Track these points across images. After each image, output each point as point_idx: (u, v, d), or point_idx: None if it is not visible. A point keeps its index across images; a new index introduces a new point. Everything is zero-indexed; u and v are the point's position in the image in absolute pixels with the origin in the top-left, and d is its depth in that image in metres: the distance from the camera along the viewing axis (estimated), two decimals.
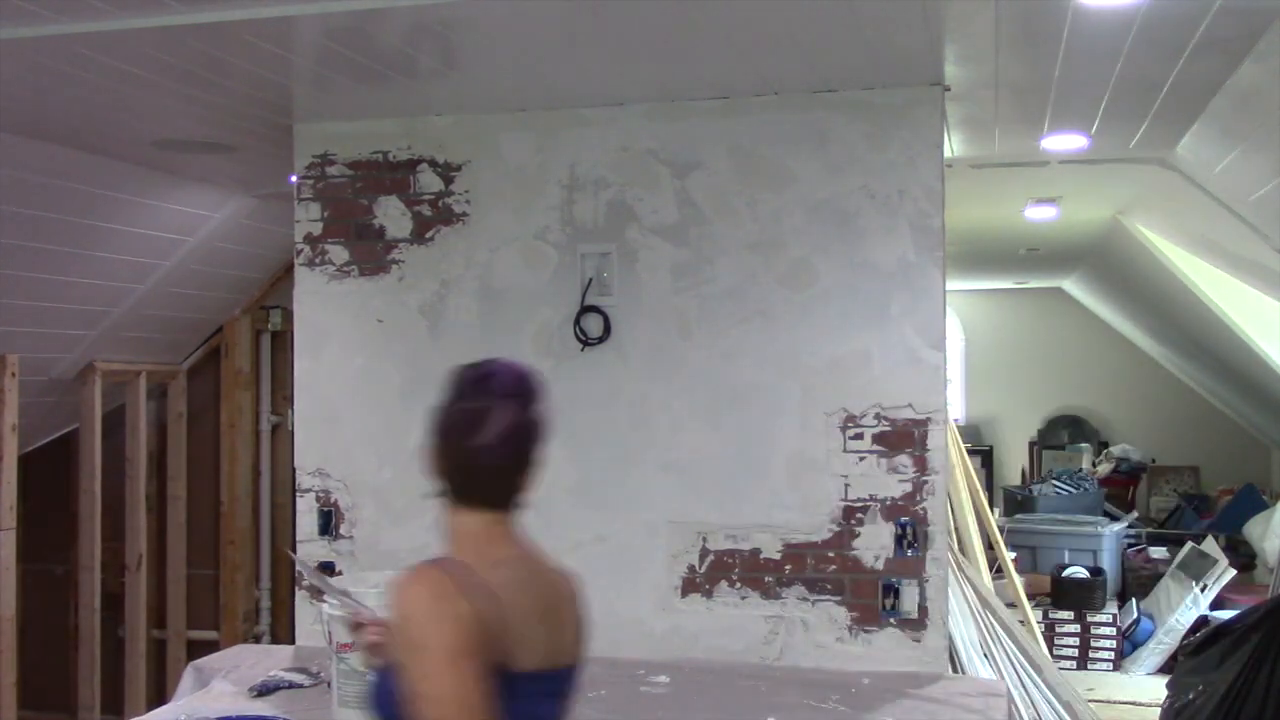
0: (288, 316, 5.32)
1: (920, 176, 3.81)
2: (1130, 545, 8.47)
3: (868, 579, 3.83)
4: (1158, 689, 6.68)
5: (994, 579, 5.57)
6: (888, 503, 3.82)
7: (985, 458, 11.40)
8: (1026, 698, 4.46)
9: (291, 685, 3.69)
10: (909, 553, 3.80)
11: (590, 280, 4.06)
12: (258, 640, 6.12)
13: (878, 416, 3.83)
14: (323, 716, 3.37)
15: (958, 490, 5.22)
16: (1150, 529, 9.21)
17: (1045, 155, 4.95)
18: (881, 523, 3.82)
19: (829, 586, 3.86)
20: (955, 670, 4.06)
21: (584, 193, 4.08)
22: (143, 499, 6.21)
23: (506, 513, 2.15)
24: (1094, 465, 10.52)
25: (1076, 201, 6.22)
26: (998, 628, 4.66)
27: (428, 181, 4.22)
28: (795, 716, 3.30)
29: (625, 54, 3.51)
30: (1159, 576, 7.69)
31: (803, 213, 3.91)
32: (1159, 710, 5.86)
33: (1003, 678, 4.30)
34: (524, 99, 4.02)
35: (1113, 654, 7.20)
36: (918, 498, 3.80)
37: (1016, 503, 8.78)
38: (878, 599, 3.82)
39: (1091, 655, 7.24)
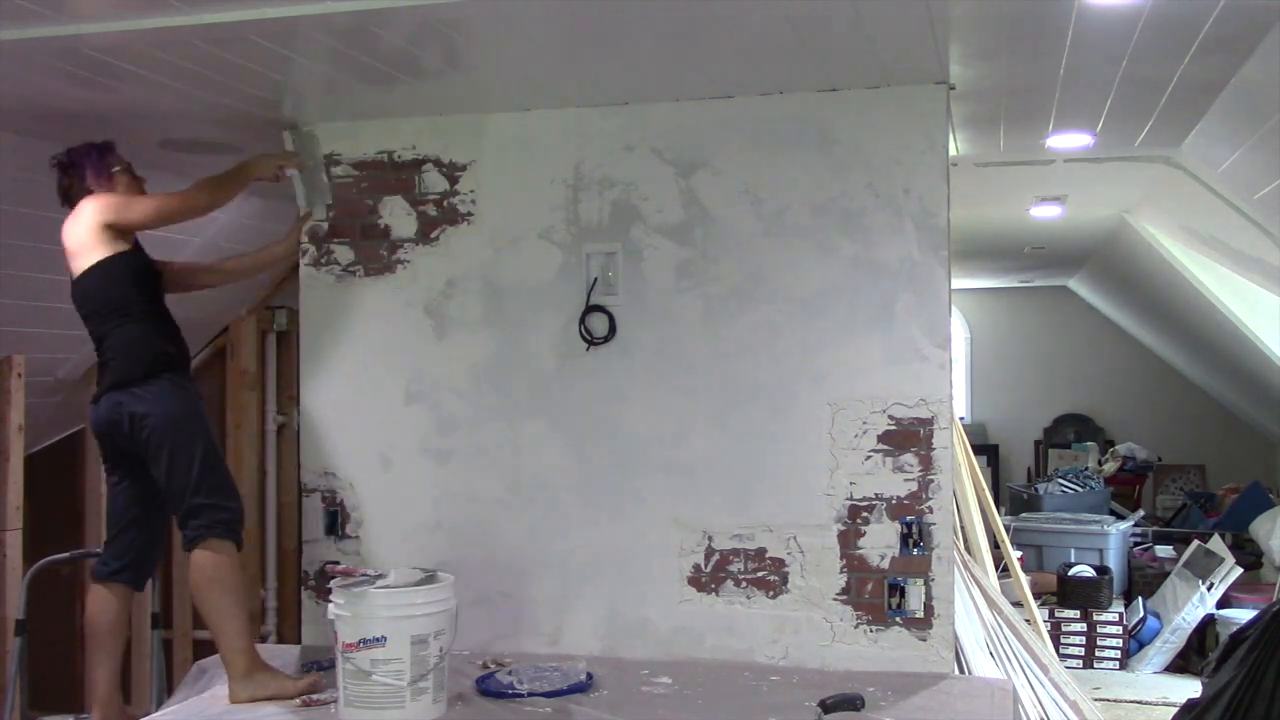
0: (293, 316, 5.32)
1: (925, 175, 3.81)
2: (1136, 544, 8.46)
3: (874, 578, 3.83)
4: (1164, 688, 6.69)
5: (1000, 578, 5.56)
6: (893, 501, 3.82)
7: (991, 456, 11.40)
8: (1033, 696, 4.45)
9: None
10: (915, 552, 3.80)
11: (595, 280, 4.06)
12: (264, 640, 6.12)
13: (883, 415, 3.83)
14: (328, 715, 3.38)
15: (963, 489, 5.21)
16: (1156, 527, 9.20)
17: (1050, 154, 4.95)
18: (887, 521, 3.82)
19: (835, 585, 3.86)
20: (961, 669, 4.05)
21: (589, 192, 4.08)
22: None
23: None
24: (1100, 464, 10.51)
25: (1082, 200, 6.22)
26: (1004, 627, 4.65)
27: (433, 181, 4.22)
28: (799, 716, 3.30)
29: (630, 53, 3.51)
30: (1165, 575, 7.68)
31: (807, 211, 3.91)
32: (1163, 709, 5.86)
33: (1009, 676, 4.29)
34: (529, 98, 4.03)
35: (1119, 653, 7.19)
36: (923, 497, 3.80)
37: (1022, 501, 8.76)
38: (884, 598, 3.82)
39: (1098, 654, 7.23)
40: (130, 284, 3.66)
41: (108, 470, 3.76)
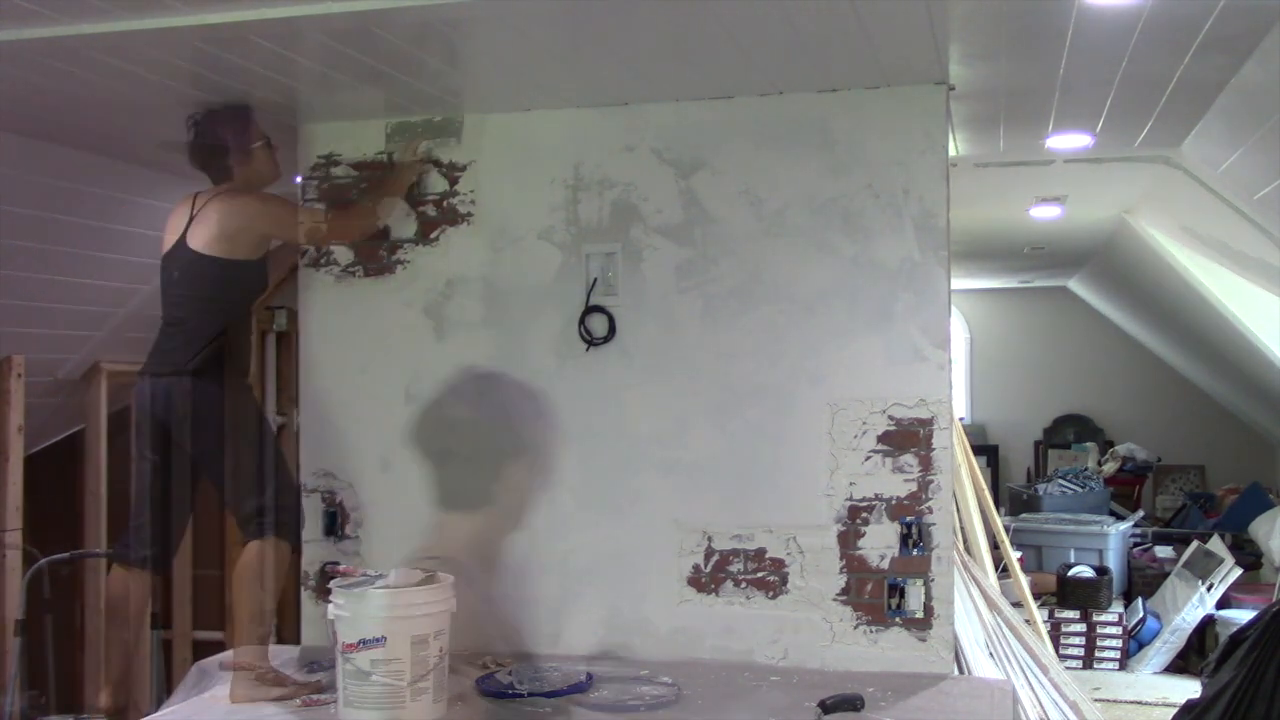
0: (293, 317, 5.32)
1: (925, 176, 3.81)
2: (1136, 544, 8.46)
3: (873, 578, 3.83)
4: (1163, 688, 6.69)
5: (1000, 578, 5.56)
6: (893, 502, 3.81)
7: (991, 457, 11.39)
8: (1033, 697, 4.45)
9: None
10: (914, 552, 3.80)
11: (595, 280, 4.06)
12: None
13: (883, 415, 3.83)
14: (327, 716, 3.38)
15: (963, 489, 5.21)
16: (1156, 528, 9.20)
17: (1050, 154, 4.95)
18: (887, 522, 3.82)
19: (834, 586, 3.86)
20: (961, 670, 4.05)
21: (589, 193, 4.08)
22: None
23: None
24: (1099, 464, 10.51)
25: (1081, 200, 6.22)
26: (1003, 627, 4.65)
27: (432, 182, 4.22)
28: (799, 717, 3.30)
29: (630, 54, 3.51)
30: (1165, 575, 7.68)
31: (807, 212, 3.91)
32: (1163, 709, 5.86)
33: (1009, 677, 4.29)
34: (528, 99, 4.03)
35: (1118, 653, 7.20)
36: (923, 497, 3.80)
37: (1022, 502, 8.77)
38: (883, 598, 3.82)
39: (1097, 654, 7.23)
40: (244, 290, 3.66)
41: (148, 449, 3.58)
